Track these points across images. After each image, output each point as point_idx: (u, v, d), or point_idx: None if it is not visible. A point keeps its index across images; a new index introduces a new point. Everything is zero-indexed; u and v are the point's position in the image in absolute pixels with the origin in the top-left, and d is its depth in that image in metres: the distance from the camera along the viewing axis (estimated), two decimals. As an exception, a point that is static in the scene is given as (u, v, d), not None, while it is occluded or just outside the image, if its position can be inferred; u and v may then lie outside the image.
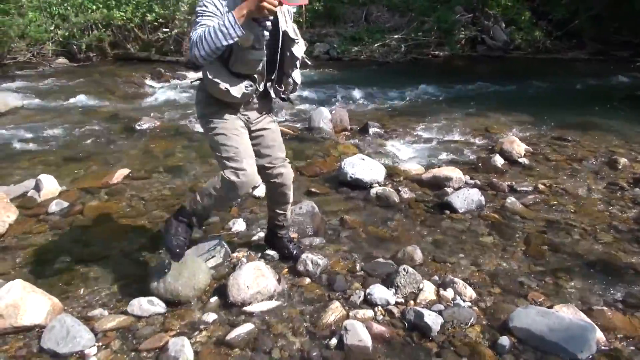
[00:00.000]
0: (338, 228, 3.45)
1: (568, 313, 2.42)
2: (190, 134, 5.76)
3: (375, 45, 12.21)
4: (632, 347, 2.29)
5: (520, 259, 3.09)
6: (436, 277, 2.83)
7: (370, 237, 3.34)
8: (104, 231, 3.42)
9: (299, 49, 2.48)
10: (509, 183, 4.22)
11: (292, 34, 2.42)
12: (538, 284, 2.81)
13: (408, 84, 8.65)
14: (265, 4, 2.05)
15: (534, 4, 13.98)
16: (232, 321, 2.44)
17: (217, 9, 2.24)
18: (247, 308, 2.51)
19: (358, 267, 2.93)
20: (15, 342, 2.29)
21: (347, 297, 2.64)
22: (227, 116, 2.50)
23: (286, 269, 2.90)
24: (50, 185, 3.97)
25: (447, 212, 3.70)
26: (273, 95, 2.57)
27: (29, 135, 5.59)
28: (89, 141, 5.46)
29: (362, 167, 4.15)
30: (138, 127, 5.90)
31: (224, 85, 2.36)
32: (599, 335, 2.30)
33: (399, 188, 4.08)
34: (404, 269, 2.72)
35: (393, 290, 2.64)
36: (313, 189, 4.06)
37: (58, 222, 3.55)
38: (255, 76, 2.43)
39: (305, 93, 7.84)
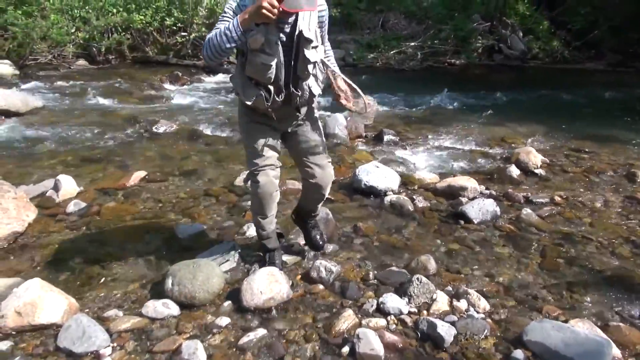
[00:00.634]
0: (352, 235, 3.45)
1: (584, 328, 2.39)
2: (206, 138, 5.82)
3: (392, 52, 12.23)
4: (649, 365, 2.26)
5: (535, 271, 3.06)
6: (450, 288, 2.81)
7: (384, 245, 3.33)
8: (120, 232, 3.47)
9: (314, 53, 2.38)
10: (525, 194, 4.19)
11: (307, 34, 2.30)
12: (553, 297, 2.78)
13: (424, 92, 8.64)
14: (264, 11, 2.07)
15: (552, 14, 13.91)
16: (245, 326, 2.46)
17: (236, 14, 2.26)
18: (260, 313, 2.52)
19: (371, 275, 2.93)
20: (32, 340, 2.33)
21: (360, 305, 2.64)
22: (253, 120, 2.57)
23: (299, 275, 2.91)
24: (68, 185, 4.04)
25: (462, 222, 3.68)
26: (297, 101, 2.51)
27: (49, 136, 5.69)
28: (107, 143, 5.54)
29: (376, 174, 4.15)
30: (155, 130, 5.97)
31: (237, 89, 2.45)
32: (615, 351, 2.26)
33: (414, 196, 4.07)
34: (418, 279, 2.71)
35: (406, 299, 2.64)
36: (327, 196, 4.05)
37: (75, 223, 3.60)
38: (271, 84, 2.39)
39: (320, 99, 7.86)
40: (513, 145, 5.70)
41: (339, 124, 5.85)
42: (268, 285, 2.61)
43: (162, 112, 7.03)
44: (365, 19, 13.91)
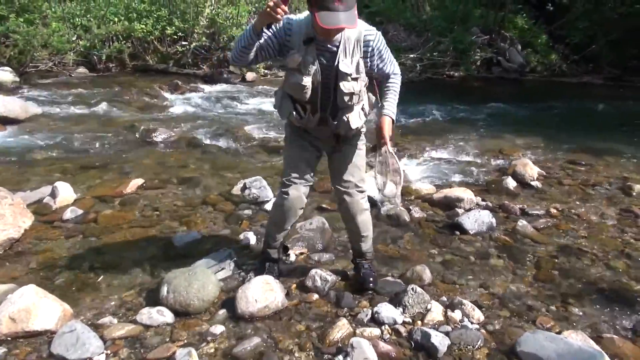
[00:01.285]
0: (348, 245, 3.44)
1: (577, 339, 2.40)
2: (205, 147, 5.85)
3: (391, 63, 12.30)
4: (642, 378, 2.26)
5: (530, 283, 3.07)
6: (444, 298, 2.82)
7: (380, 255, 3.34)
8: (116, 240, 3.47)
9: (351, 85, 2.39)
10: (521, 206, 4.21)
11: (344, 68, 2.33)
12: (547, 308, 2.79)
13: (422, 103, 8.69)
14: (268, 9, 2.12)
15: (551, 27, 14.03)
16: (239, 334, 2.46)
17: (275, 33, 2.34)
18: (254, 322, 2.53)
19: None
20: (25, 347, 2.32)
21: (355, 314, 2.64)
22: (296, 133, 2.64)
23: (295, 284, 2.91)
24: (65, 192, 4.05)
25: (458, 232, 3.70)
26: (333, 127, 2.53)
27: (47, 143, 5.71)
28: (105, 150, 5.57)
29: (373, 185, 4.15)
30: (153, 138, 6.00)
31: (276, 104, 2.60)
32: (608, 363, 2.27)
33: (410, 207, 4.08)
34: (412, 289, 2.72)
35: (401, 309, 2.64)
36: (324, 205, 4.08)
37: (72, 229, 3.61)
38: (306, 102, 2.45)
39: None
40: (510, 157, 5.72)
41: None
42: (263, 293, 2.61)
43: (160, 120, 7.07)
44: (365, 31, 14.00)
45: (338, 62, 2.34)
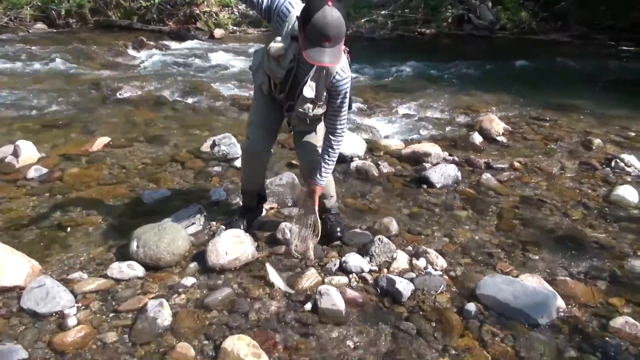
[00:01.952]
0: (317, 199, 3.50)
1: (532, 282, 2.54)
2: (172, 104, 5.73)
3: (362, 20, 12.13)
4: (589, 314, 2.43)
5: (491, 232, 3.20)
6: (410, 248, 2.92)
7: (349, 208, 3.41)
8: (83, 197, 3.43)
9: (310, 107, 2.47)
10: (486, 160, 4.32)
11: (307, 92, 2.40)
12: (507, 255, 2.93)
13: (393, 61, 8.66)
14: None
15: (521, -16, 13.95)
16: (210, 285, 2.51)
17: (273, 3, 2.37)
18: (225, 274, 2.58)
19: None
20: (-6, 302, 2.32)
21: (323, 264, 2.72)
22: (261, 92, 2.66)
23: (265, 238, 2.96)
24: (28, 151, 3.95)
25: (425, 186, 3.79)
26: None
27: (6, 101, 5.50)
28: (68, 108, 5.40)
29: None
30: (119, 96, 5.84)
31: (253, 68, 2.63)
32: (560, 302, 2.42)
33: (379, 162, 4.15)
34: (379, 239, 2.80)
35: (368, 258, 2.73)
36: (294, 161, 4.08)
37: (37, 188, 3.54)
38: (277, 82, 2.50)
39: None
40: (478, 113, 5.81)
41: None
42: (233, 246, 2.65)
43: (126, 78, 6.85)
44: (336, -14, 13.69)
45: (305, 83, 2.39)
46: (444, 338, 2.22)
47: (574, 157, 4.56)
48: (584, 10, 13.14)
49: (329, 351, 2.12)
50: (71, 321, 2.20)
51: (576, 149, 4.79)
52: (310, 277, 2.55)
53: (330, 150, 2.59)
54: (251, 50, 8.54)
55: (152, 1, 10.65)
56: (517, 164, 4.27)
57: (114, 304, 2.35)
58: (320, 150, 2.67)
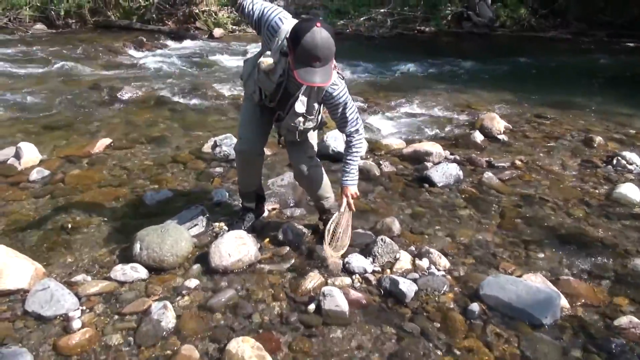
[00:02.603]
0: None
1: (536, 282, 2.54)
2: (173, 105, 5.73)
3: (362, 19, 12.11)
4: (593, 313, 2.43)
5: (494, 231, 3.20)
6: (412, 248, 2.92)
7: (351, 208, 3.40)
8: (86, 200, 3.43)
9: (302, 122, 2.52)
10: (487, 159, 4.32)
11: (298, 108, 2.45)
12: (510, 255, 2.93)
13: (393, 59, 8.66)
14: None
15: (520, -19, 13.93)
16: (213, 287, 2.51)
17: (264, 15, 2.39)
18: (228, 275, 2.58)
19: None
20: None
21: (326, 265, 2.72)
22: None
23: (268, 239, 2.96)
24: (30, 153, 3.95)
25: (426, 185, 3.79)
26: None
27: (7, 103, 5.50)
28: (69, 110, 5.40)
29: (344, 140, 4.18)
30: (119, 97, 5.84)
31: (243, 76, 2.68)
32: (564, 302, 2.43)
33: (380, 162, 4.15)
34: (382, 239, 2.80)
35: (370, 259, 2.73)
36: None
37: (39, 190, 3.55)
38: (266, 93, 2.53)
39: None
40: (478, 111, 5.81)
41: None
42: (236, 247, 2.66)
43: (126, 78, 6.85)
44: (335, -16, 13.68)
45: (296, 98, 2.42)
46: (448, 339, 2.22)
47: (575, 155, 4.56)
48: (583, 7, 13.13)
49: (333, 352, 2.12)
50: (76, 324, 2.20)
51: (577, 146, 4.78)
52: (314, 279, 2.56)
53: (350, 151, 2.66)
54: (251, 50, 8.55)
55: (151, 1, 10.64)
56: (518, 163, 4.27)
57: (117, 306, 2.35)
58: (310, 154, 2.77)
